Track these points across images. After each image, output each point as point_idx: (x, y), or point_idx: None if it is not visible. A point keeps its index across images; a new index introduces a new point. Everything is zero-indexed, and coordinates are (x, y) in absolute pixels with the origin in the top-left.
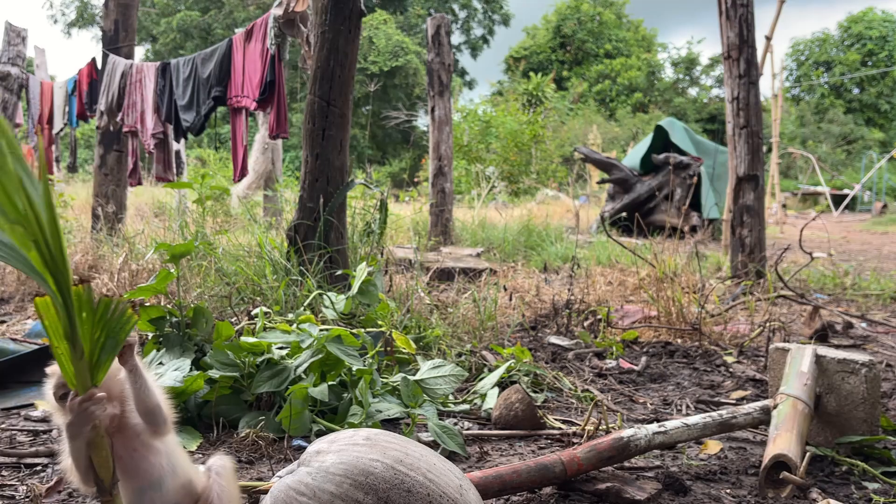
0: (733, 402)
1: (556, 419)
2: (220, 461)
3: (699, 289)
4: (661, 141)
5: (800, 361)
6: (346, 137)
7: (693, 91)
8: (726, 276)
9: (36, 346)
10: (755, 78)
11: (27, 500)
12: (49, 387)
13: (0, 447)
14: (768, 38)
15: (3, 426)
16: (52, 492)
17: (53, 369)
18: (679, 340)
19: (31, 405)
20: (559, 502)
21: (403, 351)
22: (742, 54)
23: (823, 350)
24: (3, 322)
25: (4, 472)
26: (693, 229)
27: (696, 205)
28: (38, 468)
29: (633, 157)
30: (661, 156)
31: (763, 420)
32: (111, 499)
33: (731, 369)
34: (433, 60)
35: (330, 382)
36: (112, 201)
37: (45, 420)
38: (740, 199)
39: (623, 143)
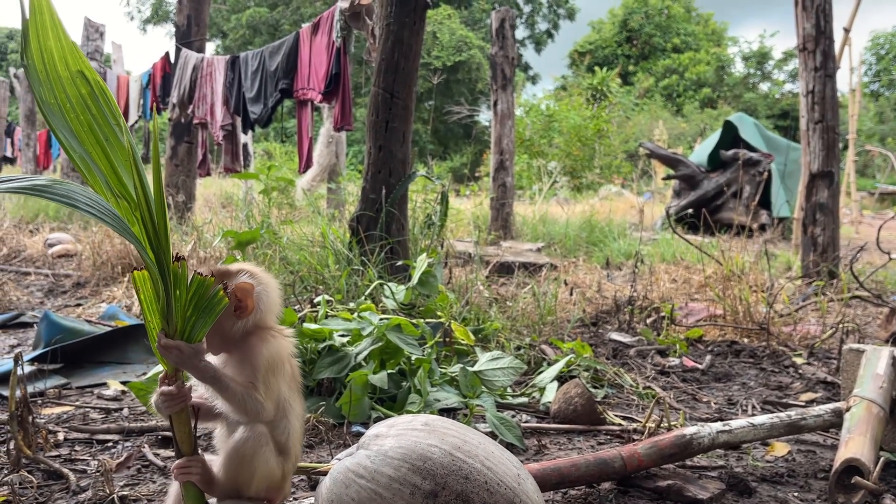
0: (802, 404)
1: (616, 415)
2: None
3: (767, 288)
4: (730, 137)
5: (875, 363)
6: (409, 129)
7: (765, 86)
8: (796, 275)
9: (109, 328)
10: (832, 71)
11: (98, 474)
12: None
13: (74, 423)
14: (846, 30)
15: (77, 403)
16: (122, 467)
17: None
18: (745, 340)
19: (104, 384)
20: (618, 498)
21: (462, 342)
22: (818, 46)
23: None
24: (80, 305)
25: (78, 448)
26: (762, 228)
27: (765, 202)
28: (110, 444)
29: (700, 154)
30: (730, 152)
31: (834, 423)
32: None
33: (800, 371)
34: (497, 54)
35: (389, 370)
36: (182, 191)
37: (116, 399)
38: (813, 197)
39: (690, 139)
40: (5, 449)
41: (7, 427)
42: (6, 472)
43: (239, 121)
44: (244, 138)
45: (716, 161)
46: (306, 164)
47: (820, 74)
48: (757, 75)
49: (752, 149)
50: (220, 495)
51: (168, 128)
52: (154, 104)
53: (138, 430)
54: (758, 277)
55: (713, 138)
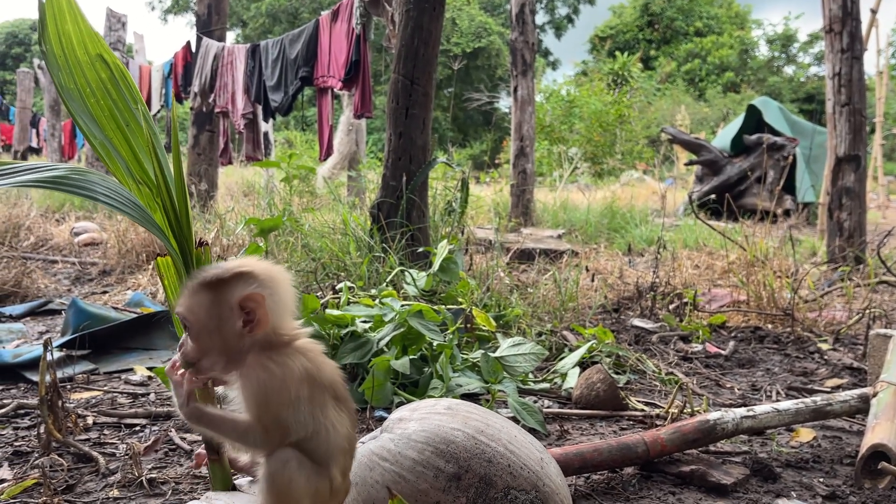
0: (828, 389)
1: (638, 401)
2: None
3: (792, 273)
4: (754, 121)
5: None
6: (429, 116)
7: (789, 69)
8: (822, 261)
9: (135, 315)
10: (859, 53)
11: (126, 457)
12: None
13: (102, 408)
14: (873, 12)
15: (105, 388)
16: (150, 450)
17: None
18: (770, 326)
19: (131, 370)
20: (641, 483)
21: (483, 328)
22: (845, 28)
23: None
24: (106, 292)
25: (106, 431)
26: (786, 213)
27: (789, 188)
28: (137, 428)
29: (723, 138)
30: (754, 136)
31: (861, 409)
32: (218, 458)
33: (825, 357)
34: (516, 39)
35: (411, 356)
36: (204, 180)
37: (143, 384)
38: (839, 181)
39: (713, 123)
40: (36, 432)
41: (38, 411)
42: (37, 455)
43: (260, 109)
44: (265, 127)
45: (739, 146)
46: (327, 152)
47: (847, 56)
48: (782, 58)
49: (776, 133)
50: None
51: (190, 117)
52: (176, 93)
53: (165, 414)
54: (782, 263)
55: (736, 123)
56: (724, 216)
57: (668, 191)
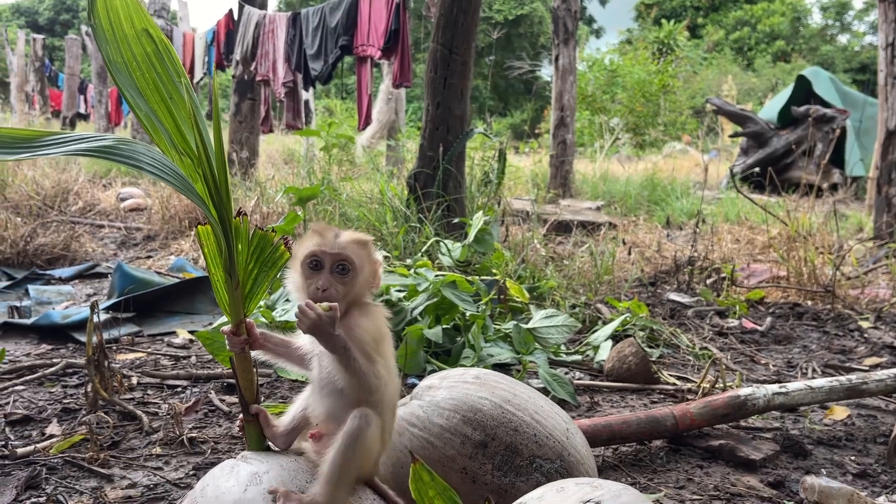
0: (865, 368)
1: (670, 375)
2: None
3: (836, 249)
4: (804, 92)
5: None
6: (468, 86)
7: (843, 38)
8: (868, 237)
9: (178, 280)
10: None
11: (169, 416)
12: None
13: (146, 369)
14: None
15: (148, 350)
16: (191, 411)
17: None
18: (809, 302)
19: (173, 333)
20: (669, 456)
21: (517, 300)
22: None
23: None
24: (150, 257)
25: (150, 392)
26: (833, 187)
27: (838, 161)
28: (179, 389)
29: (770, 110)
30: (802, 108)
31: None
32: (252, 419)
33: (865, 335)
34: (559, 7)
35: (444, 326)
36: (246, 147)
37: (184, 347)
38: (890, 155)
39: (760, 94)
40: (83, 391)
41: (85, 370)
42: (84, 412)
43: (300, 77)
44: (305, 95)
45: (787, 118)
46: (365, 121)
47: None
48: (835, 27)
49: (826, 104)
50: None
51: (232, 85)
52: (218, 61)
53: (205, 377)
54: (826, 239)
55: (785, 94)
56: (767, 190)
57: (712, 163)
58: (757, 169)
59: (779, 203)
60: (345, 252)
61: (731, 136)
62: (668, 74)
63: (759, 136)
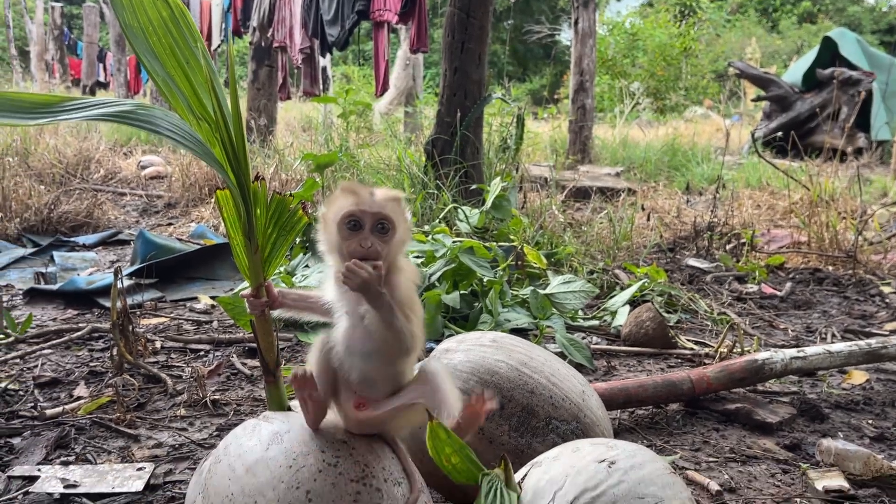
0: (886, 333)
1: (688, 340)
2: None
3: (858, 214)
4: (829, 54)
5: None
6: (485, 50)
7: None
8: (892, 201)
9: (198, 246)
10: None
11: (192, 379)
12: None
13: (169, 333)
14: None
15: (171, 315)
16: (213, 374)
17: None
18: (830, 268)
19: (195, 298)
20: (685, 419)
21: (534, 266)
22: None
23: None
24: (171, 224)
25: (173, 355)
26: (858, 151)
27: (863, 125)
28: (201, 353)
29: (794, 73)
30: (827, 70)
31: None
32: (274, 380)
33: (887, 300)
34: None
35: (462, 291)
36: (264, 115)
37: (206, 312)
38: None
39: (785, 57)
40: (109, 354)
41: (110, 335)
42: (111, 375)
43: (317, 44)
44: (323, 62)
45: (811, 80)
46: (383, 87)
47: None
48: None
49: (852, 67)
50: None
51: (249, 52)
52: (235, 28)
53: (227, 341)
54: (848, 203)
55: (810, 56)
56: (789, 154)
57: (734, 128)
58: (780, 133)
59: (801, 168)
60: (384, 210)
61: (753, 101)
62: (690, 37)
63: (783, 99)
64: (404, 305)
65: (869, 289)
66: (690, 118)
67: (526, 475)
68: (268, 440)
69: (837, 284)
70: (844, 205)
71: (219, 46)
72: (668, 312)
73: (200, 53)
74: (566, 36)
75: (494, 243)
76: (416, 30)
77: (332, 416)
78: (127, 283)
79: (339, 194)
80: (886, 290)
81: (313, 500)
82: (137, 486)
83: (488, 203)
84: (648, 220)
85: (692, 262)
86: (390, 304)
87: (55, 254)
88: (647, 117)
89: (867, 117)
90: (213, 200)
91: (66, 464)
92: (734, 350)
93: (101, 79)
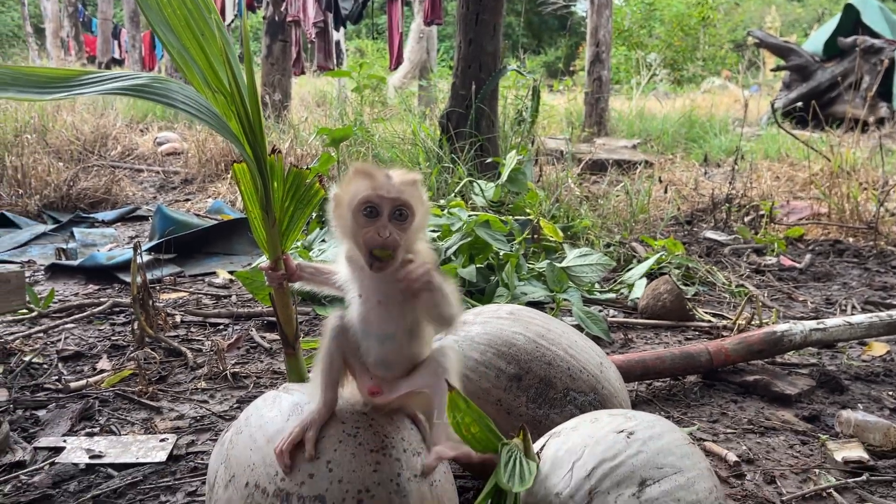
0: None
1: (705, 312)
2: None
3: (880, 185)
4: (851, 22)
5: None
6: (500, 22)
7: None
8: None
9: (216, 221)
10: None
11: (212, 353)
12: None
13: (188, 308)
14: None
15: (190, 290)
16: (233, 347)
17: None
18: (851, 239)
19: (214, 273)
20: (703, 391)
21: (550, 239)
22: None
23: None
24: (188, 199)
25: (193, 329)
26: (880, 121)
27: (885, 94)
28: (221, 327)
29: (815, 42)
30: (849, 39)
31: None
32: (293, 352)
33: None
34: None
35: (478, 265)
36: (278, 90)
37: (225, 287)
38: None
39: (805, 25)
40: (130, 328)
41: (131, 309)
42: (132, 348)
43: (331, 17)
44: (336, 35)
45: (832, 49)
46: (397, 61)
47: None
48: None
49: (874, 35)
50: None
51: (263, 26)
52: (249, 2)
53: (245, 315)
54: (870, 174)
55: (831, 24)
56: (810, 125)
57: (752, 99)
58: (800, 104)
59: (822, 138)
60: (403, 196)
61: (773, 70)
62: (709, 6)
63: (803, 69)
64: (445, 288)
65: (890, 260)
66: (708, 89)
67: (544, 445)
68: (288, 411)
69: (858, 256)
70: (866, 175)
71: (232, 21)
72: (686, 285)
73: (215, 25)
74: (582, 7)
75: (510, 217)
76: (430, 2)
77: (351, 389)
78: (146, 258)
79: (353, 177)
80: None
81: (333, 470)
82: (161, 456)
83: (504, 176)
84: (665, 192)
85: (710, 234)
86: (446, 293)
87: (75, 230)
88: (664, 89)
89: (890, 86)
90: (229, 176)
91: (90, 435)
92: (752, 322)
93: (117, 55)
